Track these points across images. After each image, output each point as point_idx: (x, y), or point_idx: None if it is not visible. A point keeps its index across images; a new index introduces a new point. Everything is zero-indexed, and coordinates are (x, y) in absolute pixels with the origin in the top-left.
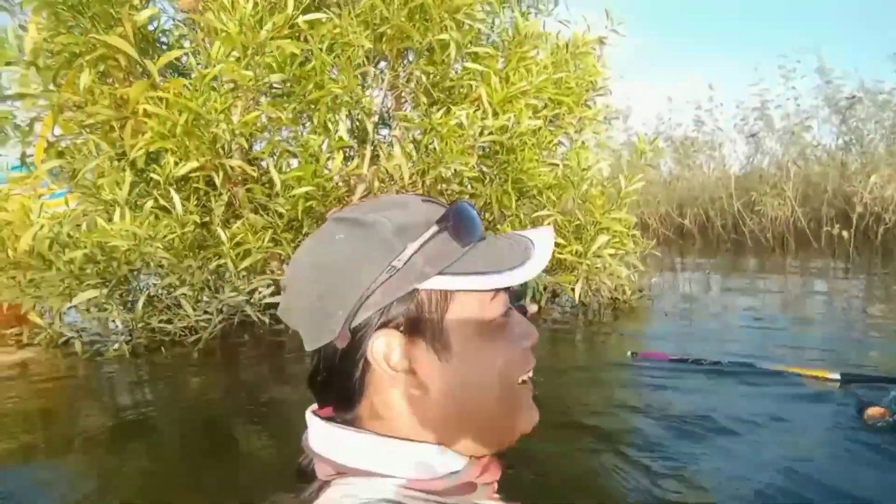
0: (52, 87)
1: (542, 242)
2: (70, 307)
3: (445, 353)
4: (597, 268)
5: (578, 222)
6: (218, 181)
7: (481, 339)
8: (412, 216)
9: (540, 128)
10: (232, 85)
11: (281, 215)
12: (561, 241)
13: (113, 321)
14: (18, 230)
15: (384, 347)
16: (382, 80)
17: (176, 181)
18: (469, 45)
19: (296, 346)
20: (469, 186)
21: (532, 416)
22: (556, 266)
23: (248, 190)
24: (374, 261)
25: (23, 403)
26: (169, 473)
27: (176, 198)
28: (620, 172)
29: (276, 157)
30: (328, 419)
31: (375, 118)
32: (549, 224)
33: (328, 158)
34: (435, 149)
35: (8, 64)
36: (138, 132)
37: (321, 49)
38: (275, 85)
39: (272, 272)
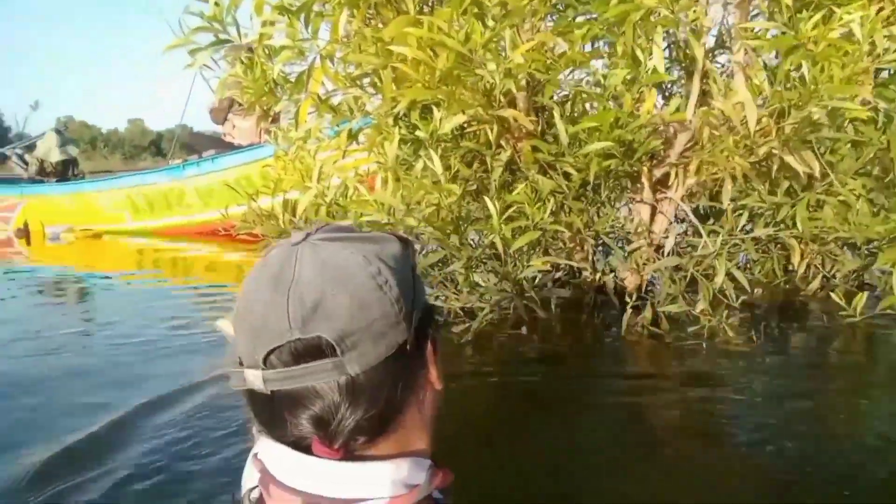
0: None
1: None
2: None
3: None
4: None
5: None
6: (491, 136)
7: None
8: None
9: None
10: (503, 10)
11: (569, 177)
12: None
13: None
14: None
15: (429, 348)
16: None
17: (451, 139)
18: None
19: (569, 346)
20: (853, 133)
21: None
22: None
23: (534, 147)
24: (407, 269)
25: None
26: None
27: (435, 159)
28: None
29: (567, 102)
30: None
31: (708, 40)
32: None
33: (636, 101)
34: (803, 77)
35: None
36: (403, 81)
37: None
38: (558, 5)
39: (554, 252)
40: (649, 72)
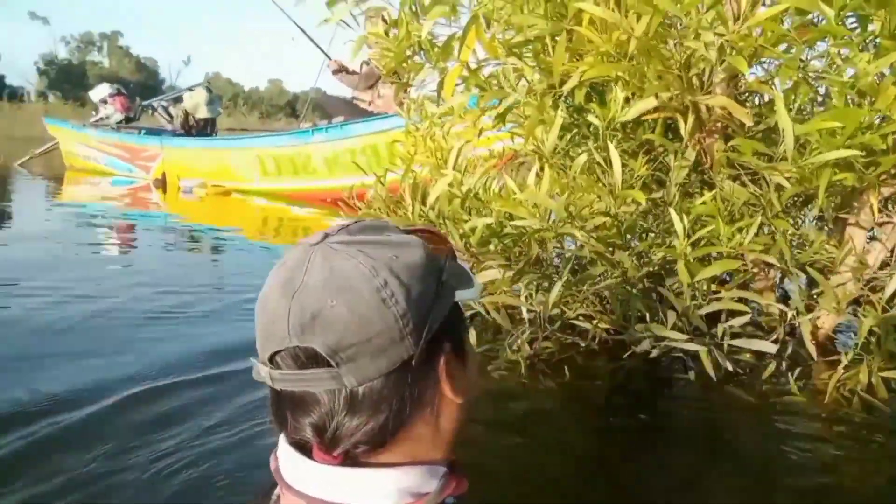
0: None
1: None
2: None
3: (466, 358)
4: None
5: None
6: (684, 129)
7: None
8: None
9: None
10: None
11: (780, 189)
12: None
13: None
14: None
15: (444, 363)
16: None
17: (625, 128)
18: None
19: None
20: None
21: None
22: None
23: (732, 146)
24: (431, 281)
25: None
26: None
27: (615, 156)
28: None
29: (793, 93)
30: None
31: None
32: None
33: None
34: None
35: None
36: (577, 52)
37: None
38: None
39: (745, 285)
40: None
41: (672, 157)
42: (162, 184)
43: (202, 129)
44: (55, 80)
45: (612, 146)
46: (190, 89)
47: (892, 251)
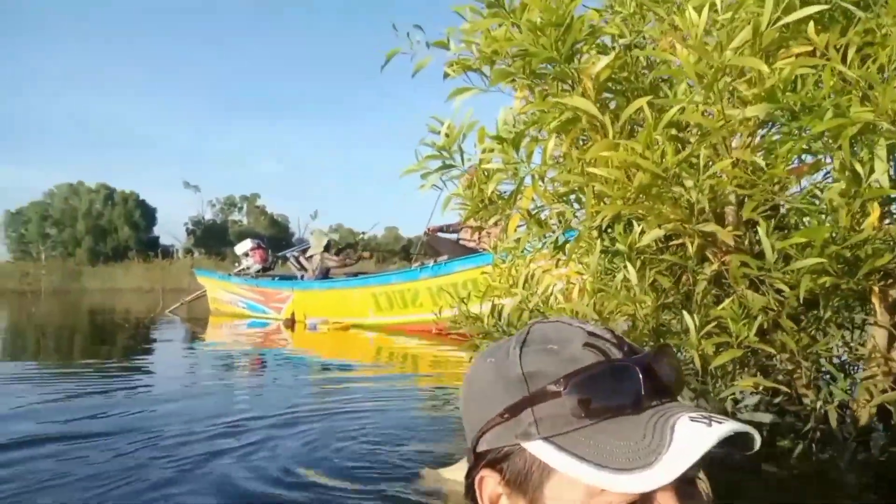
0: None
1: (692, 441)
2: None
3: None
4: None
5: None
6: (691, 249)
7: None
8: (550, 361)
9: None
10: (700, 131)
11: (782, 294)
12: None
13: None
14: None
15: (491, 489)
16: None
17: (652, 252)
18: None
19: None
20: None
21: None
22: None
23: (743, 262)
24: (497, 398)
25: None
26: None
27: (631, 270)
28: None
29: (775, 217)
30: None
31: None
32: None
33: (857, 216)
34: None
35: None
36: (603, 197)
37: (840, 52)
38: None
39: (757, 373)
40: (869, 186)
41: (691, 274)
42: (291, 323)
43: (327, 272)
44: (200, 237)
45: (629, 264)
46: (311, 233)
47: None
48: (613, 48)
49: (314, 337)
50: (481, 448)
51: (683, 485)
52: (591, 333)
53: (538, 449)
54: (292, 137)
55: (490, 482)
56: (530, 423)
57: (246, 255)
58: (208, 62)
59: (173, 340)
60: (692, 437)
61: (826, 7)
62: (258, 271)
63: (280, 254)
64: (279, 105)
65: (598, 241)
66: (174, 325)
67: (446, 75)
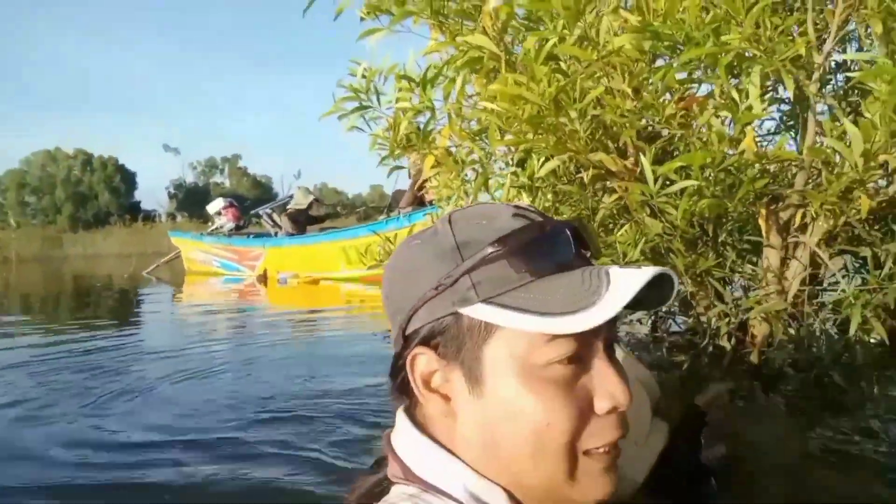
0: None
1: (627, 282)
2: None
3: (477, 388)
4: None
5: None
6: (586, 178)
7: (520, 385)
8: (482, 231)
9: None
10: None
11: (669, 217)
12: None
13: None
14: None
15: (424, 366)
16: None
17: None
18: None
19: None
20: None
21: (595, 489)
22: None
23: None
24: (429, 274)
25: None
26: None
27: (525, 200)
28: None
29: (673, 146)
30: (410, 416)
31: (817, 76)
32: None
33: (732, 141)
34: None
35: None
36: (503, 131)
37: None
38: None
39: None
40: (744, 111)
41: (589, 202)
42: (263, 279)
43: (303, 226)
44: (183, 201)
45: (524, 195)
46: (290, 196)
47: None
48: None
49: (285, 290)
50: (413, 327)
51: (609, 348)
52: (517, 206)
53: (478, 311)
54: (276, 92)
55: (422, 360)
56: (468, 287)
57: (218, 213)
58: (190, 14)
59: (145, 301)
60: (627, 278)
61: None
62: (231, 230)
63: (253, 211)
64: (263, 58)
65: (510, 176)
66: (152, 286)
67: (362, 18)
